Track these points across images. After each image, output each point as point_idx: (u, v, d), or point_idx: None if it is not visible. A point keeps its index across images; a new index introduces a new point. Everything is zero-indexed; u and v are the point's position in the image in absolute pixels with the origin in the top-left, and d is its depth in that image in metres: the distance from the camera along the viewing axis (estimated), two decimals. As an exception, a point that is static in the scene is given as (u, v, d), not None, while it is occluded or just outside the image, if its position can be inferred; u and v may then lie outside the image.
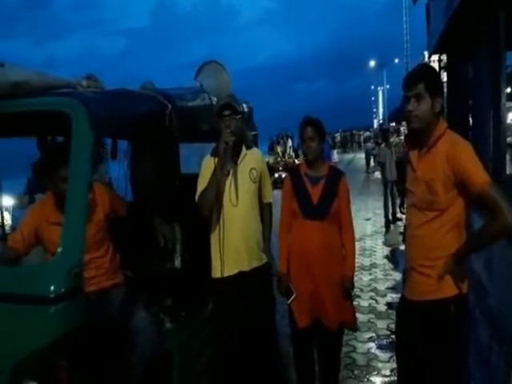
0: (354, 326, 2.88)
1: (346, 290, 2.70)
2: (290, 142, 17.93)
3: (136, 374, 2.28)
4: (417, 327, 2.10)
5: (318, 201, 2.68)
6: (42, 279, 1.84)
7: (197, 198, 2.61)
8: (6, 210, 7.54)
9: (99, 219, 2.47)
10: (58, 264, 1.89)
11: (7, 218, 7.31)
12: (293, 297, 2.71)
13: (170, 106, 2.63)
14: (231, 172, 2.60)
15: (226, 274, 2.60)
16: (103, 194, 2.54)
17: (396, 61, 38.17)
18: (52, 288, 1.79)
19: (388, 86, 45.70)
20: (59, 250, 1.89)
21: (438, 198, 2.00)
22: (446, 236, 2.02)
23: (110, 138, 3.19)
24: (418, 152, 2.11)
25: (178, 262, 2.71)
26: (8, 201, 7.64)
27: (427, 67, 2.31)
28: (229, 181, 2.62)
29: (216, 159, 2.58)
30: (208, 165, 2.67)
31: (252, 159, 2.74)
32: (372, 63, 43.86)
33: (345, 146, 35.39)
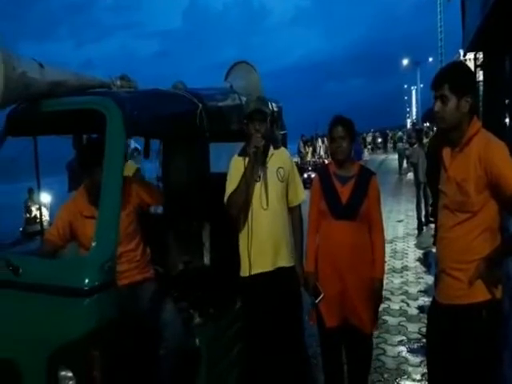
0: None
1: (376, 293, 2.67)
2: (319, 142, 17.79)
3: (164, 367, 2.33)
4: (448, 331, 2.06)
5: (347, 201, 2.65)
6: (77, 272, 1.91)
7: (225, 199, 2.62)
8: (44, 206, 7.85)
9: (130, 211, 2.51)
10: (92, 258, 1.95)
11: (45, 214, 7.60)
12: (320, 296, 2.69)
13: (200, 105, 2.66)
14: (261, 176, 2.62)
15: (253, 273, 2.61)
16: (132, 187, 2.59)
17: (430, 59, 37.23)
18: (86, 281, 1.85)
19: (422, 85, 44.68)
20: (93, 244, 1.95)
21: (469, 198, 1.95)
22: (478, 239, 1.97)
23: (143, 137, 3.26)
24: (451, 152, 2.07)
25: (207, 259, 2.75)
26: (46, 197, 7.95)
27: (455, 66, 2.22)
28: (259, 184, 2.63)
29: (244, 159, 2.60)
30: (236, 165, 2.70)
31: (279, 159, 2.74)
32: (405, 62, 42.96)
33: (373, 148, 34.72)
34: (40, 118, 2.39)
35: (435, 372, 2.22)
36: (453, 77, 2.01)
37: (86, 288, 1.85)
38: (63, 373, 1.87)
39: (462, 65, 2.14)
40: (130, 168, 3.35)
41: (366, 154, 22.20)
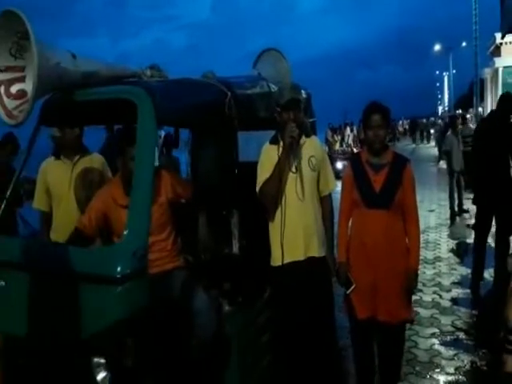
0: (409, 320, 2.81)
1: (410, 284, 2.60)
2: (348, 131, 17.47)
3: (196, 355, 2.34)
4: None
5: (381, 189, 2.59)
6: (110, 260, 1.93)
7: (258, 188, 2.60)
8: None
9: (162, 203, 2.54)
10: (124, 246, 1.97)
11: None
12: (352, 287, 2.65)
13: (229, 93, 2.64)
14: (296, 166, 2.58)
15: (285, 262, 2.59)
16: (167, 179, 2.61)
17: (463, 44, 35.85)
18: (119, 269, 1.87)
19: (454, 71, 43.19)
20: (125, 232, 1.97)
21: None
22: None
23: (173, 126, 3.27)
24: None
25: (236, 248, 2.74)
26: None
27: None
28: (295, 175, 2.59)
29: (278, 147, 2.57)
30: (268, 153, 2.67)
31: (311, 147, 2.71)
32: (437, 47, 41.54)
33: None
34: (73, 108, 2.42)
35: None
36: None
37: (119, 276, 1.86)
38: (96, 360, 1.90)
39: None
40: (96, 160, 3.22)
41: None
